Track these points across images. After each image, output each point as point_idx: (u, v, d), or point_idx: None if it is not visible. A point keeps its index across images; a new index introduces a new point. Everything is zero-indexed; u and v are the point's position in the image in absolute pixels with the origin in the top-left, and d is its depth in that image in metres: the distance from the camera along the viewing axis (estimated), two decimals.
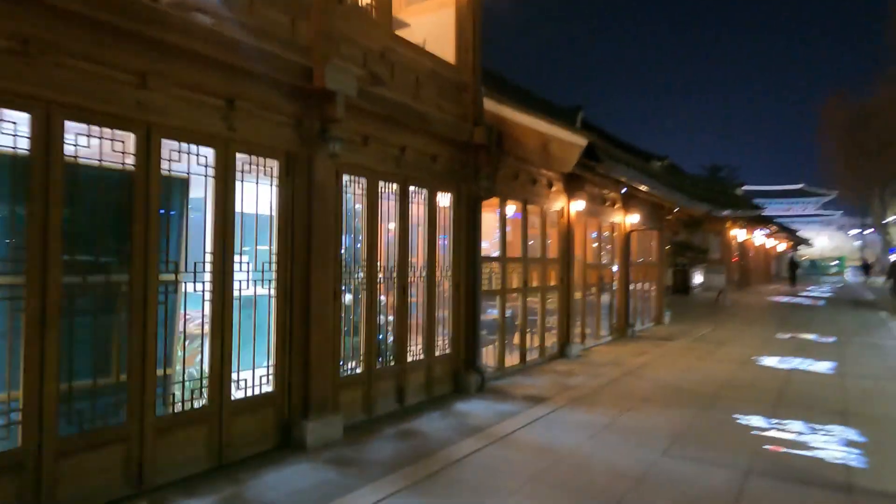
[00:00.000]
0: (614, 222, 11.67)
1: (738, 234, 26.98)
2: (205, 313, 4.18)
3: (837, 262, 62.82)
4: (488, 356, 7.92)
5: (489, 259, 7.72)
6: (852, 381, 7.89)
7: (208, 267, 4.17)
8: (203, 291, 4.16)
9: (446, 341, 6.71)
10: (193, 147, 4.08)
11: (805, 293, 27.06)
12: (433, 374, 6.44)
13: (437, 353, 6.52)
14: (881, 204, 38.75)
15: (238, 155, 4.36)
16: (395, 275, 5.96)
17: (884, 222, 39.32)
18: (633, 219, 12.12)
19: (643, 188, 10.26)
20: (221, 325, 4.21)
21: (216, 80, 4.15)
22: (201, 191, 4.26)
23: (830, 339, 11.99)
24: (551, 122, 6.40)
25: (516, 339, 8.37)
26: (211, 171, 4.19)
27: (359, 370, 5.52)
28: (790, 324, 14.99)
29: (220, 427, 4.22)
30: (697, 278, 24.81)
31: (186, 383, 4.19)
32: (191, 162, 4.06)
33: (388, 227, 6.00)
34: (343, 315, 5.39)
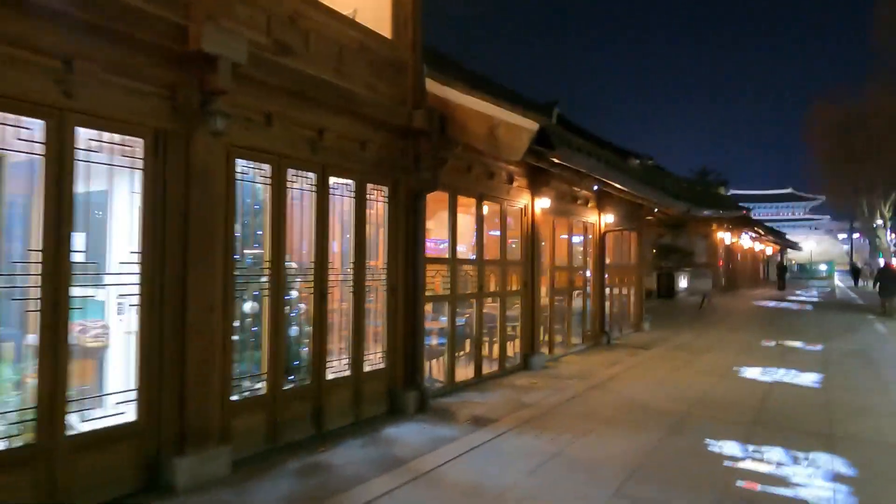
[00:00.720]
0: (587, 222, 10.89)
1: (725, 237, 26.35)
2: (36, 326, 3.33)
3: (826, 266, 62.59)
4: (439, 369, 7.10)
5: (437, 261, 6.90)
6: (839, 395, 7.13)
7: (37, 268, 3.31)
8: (27, 299, 3.31)
9: (380, 355, 5.87)
10: (13, 117, 3.24)
11: (793, 297, 26.45)
12: (362, 393, 5.60)
13: (367, 369, 5.68)
14: (869, 208, 38.42)
15: (82, 129, 3.52)
16: (312, 278, 5.13)
17: (873, 226, 38.96)
18: (607, 218, 11.35)
19: (616, 185, 9.50)
20: (55, 340, 3.36)
21: (49, 35, 3.31)
22: (28, 171, 3.41)
23: (817, 347, 11.26)
24: (499, 104, 5.61)
25: (470, 349, 7.54)
26: (40, 149, 3.34)
27: (261, 391, 4.68)
28: (776, 330, 14.27)
29: (52, 469, 3.36)
30: (682, 282, 24.14)
31: (7, 415, 3.33)
32: (6, 135, 3.22)
33: (305, 222, 5.16)
34: (241, 325, 4.55)
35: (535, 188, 8.66)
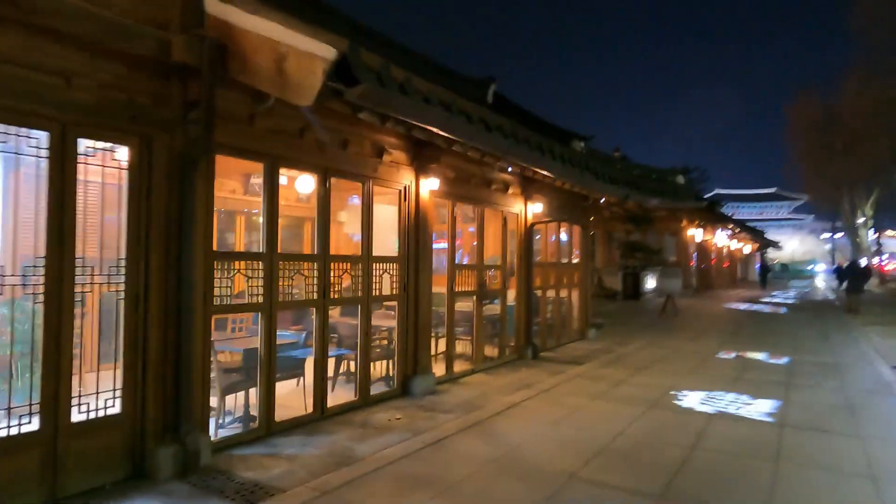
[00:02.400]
0: (508, 212, 9.05)
1: (696, 234, 24.69)
2: None
3: (811, 265, 61.43)
4: (250, 405, 5.23)
5: (239, 256, 5.04)
6: (794, 438, 5.35)
7: None
8: None
9: (111, 394, 3.98)
10: None
11: (768, 299, 24.85)
12: (65, 456, 3.71)
13: (78, 417, 3.79)
14: (850, 206, 37.11)
15: None
16: None
17: (855, 225, 37.65)
18: (535, 208, 9.52)
19: (515, 160, 7.65)
20: None
21: None
22: None
23: (782, 361, 9.51)
24: (292, 24, 3.75)
25: (309, 376, 5.67)
26: None
27: None
28: (740, 337, 12.55)
29: None
30: (651, 282, 22.44)
31: None
32: None
33: None
34: None
35: (421, 165, 6.81)
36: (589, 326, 11.97)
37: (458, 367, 8.00)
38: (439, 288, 7.45)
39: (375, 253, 6.37)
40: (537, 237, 10.18)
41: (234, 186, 8.17)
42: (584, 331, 11.82)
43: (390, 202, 6.76)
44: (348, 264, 6.02)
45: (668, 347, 10.92)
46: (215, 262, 4.58)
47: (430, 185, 6.86)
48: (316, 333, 5.57)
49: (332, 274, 5.70)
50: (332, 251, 5.72)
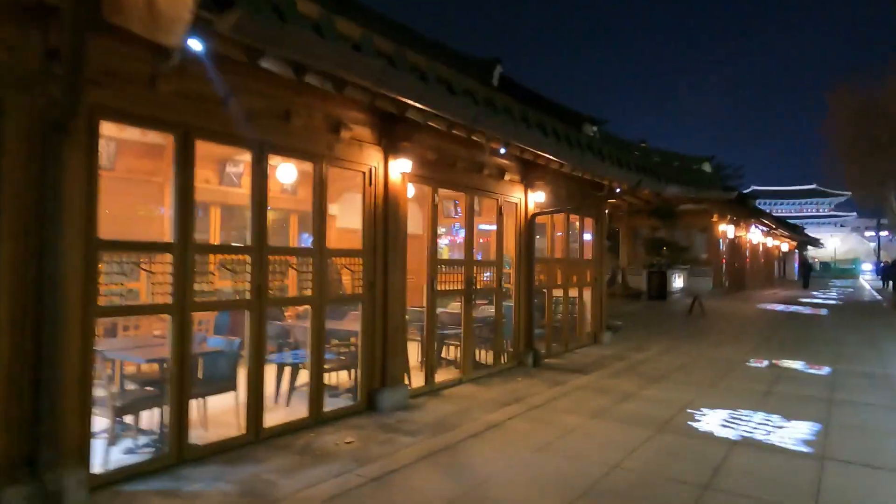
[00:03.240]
0: (506, 201, 8.05)
1: (728, 230, 23.17)
2: None
3: (854, 263, 58.41)
4: (160, 423, 4.36)
5: (136, 246, 4.18)
6: (839, 475, 4.24)
7: None
8: None
9: None
10: None
11: (807, 299, 23.18)
12: None
13: None
14: None
15: None
16: None
17: None
18: (537, 197, 8.49)
19: (516, 142, 6.65)
20: None
21: None
22: None
23: (822, 371, 8.28)
24: None
25: (242, 392, 4.77)
26: None
27: None
28: (774, 342, 11.27)
29: None
30: (678, 281, 21.07)
31: None
32: None
33: None
34: None
35: (391, 144, 5.86)
36: (604, 329, 10.86)
37: (444, 376, 7.04)
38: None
39: (334, 245, 5.45)
40: (542, 230, 9.15)
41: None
42: (598, 334, 10.71)
43: (349, 186, 5.83)
44: (294, 258, 5.11)
45: (691, 354, 9.75)
46: (102, 254, 3.72)
47: (401, 166, 5.91)
48: (250, 340, 4.68)
49: (271, 270, 4.80)
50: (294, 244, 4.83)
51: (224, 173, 7.76)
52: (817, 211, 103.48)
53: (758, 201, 27.26)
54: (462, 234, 7.82)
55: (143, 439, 4.42)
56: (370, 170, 5.76)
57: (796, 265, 46.51)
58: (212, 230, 8.04)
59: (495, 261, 7.89)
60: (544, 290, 9.25)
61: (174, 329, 4.11)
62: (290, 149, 5.01)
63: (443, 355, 7.73)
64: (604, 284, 10.94)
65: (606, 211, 11.16)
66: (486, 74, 11.69)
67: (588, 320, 10.71)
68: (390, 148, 5.86)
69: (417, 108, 5.16)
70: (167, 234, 4.21)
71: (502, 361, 7.96)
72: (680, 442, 5.00)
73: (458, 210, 9.86)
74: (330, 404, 5.46)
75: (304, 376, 5.42)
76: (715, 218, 22.40)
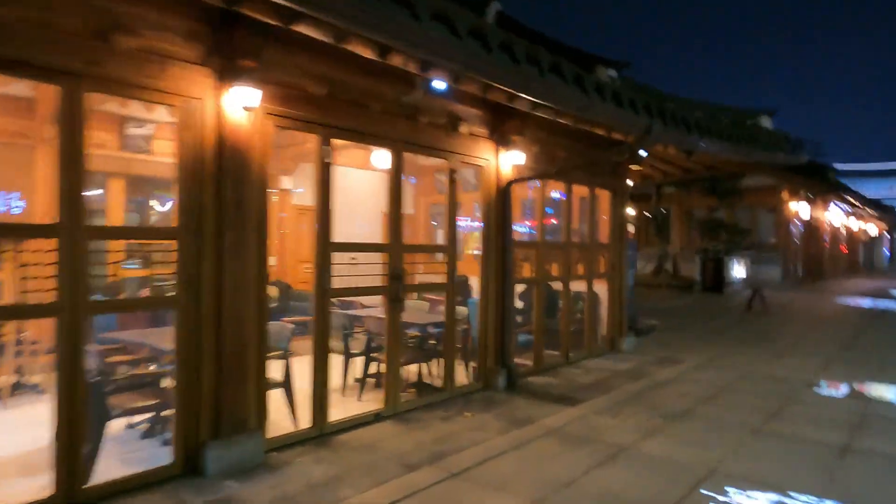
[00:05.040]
0: (464, 163, 5.82)
1: (802, 209, 19.75)
2: None
3: None
4: None
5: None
6: None
7: None
8: None
9: None
10: None
11: None
12: None
13: None
14: None
15: None
16: None
17: None
18: (514, 158, 6.19)
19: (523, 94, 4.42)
20: None
21: None
22: None
23: None
24: None
25: None
26: None
27: None
28: (857, 354, 8.51)
29: None
30: (737, 270, 18.03)
31: None
32: None
33: None
34: None
35: (229, 64, 3.78)
36: (625, 333, 8.45)
37: (357, 408, 4.96)
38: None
39: (114, 221, 3.45)
40: (533, 206, 6.85)
41: None
42: (616, 340, 8.32)
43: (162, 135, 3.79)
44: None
45: (738, 369, 7.23)
46: None
47: (246, 98, 3.81)
48: None
49: None
50: None
51: None
52: None
53: (834, 170, 23.18)
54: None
55: None
56: (193, 104, 3.69)
57: (886, 251, 41.28)
58: None
59: (445, 245, 5.68)
60: (534, 284, 6.98)
61: None
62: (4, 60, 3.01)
63: (374, 372, 5.66)
64: (624, 275, 8.50)
65: (629, 181, 8.67)
66: (478, 11, 9.41)
67: (602, 321, 8.33)
68: (228, 70, 3.77)
69: None
70: None
71: (454, 385, 5.77)
72: None
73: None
74: (119, 467, 3.49)
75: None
76: (785, 195, 19.05)
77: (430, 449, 4.31)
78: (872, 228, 34.87)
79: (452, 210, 5.69)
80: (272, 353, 4.43)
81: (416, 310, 6.66)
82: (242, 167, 3.89)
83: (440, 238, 10.98)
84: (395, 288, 5.05)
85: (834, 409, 5.54)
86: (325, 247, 4.51)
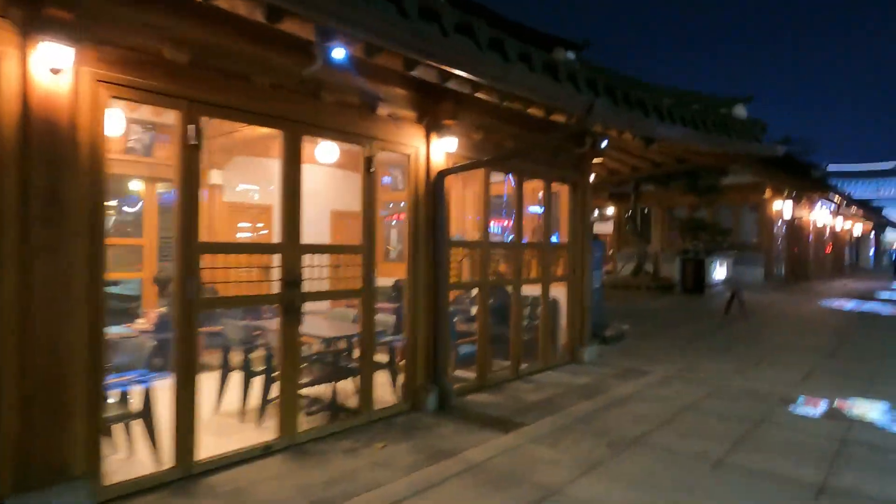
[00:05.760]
0: (384, 150, 5.03)
1: (786, 208, 19.14)
2: None
3: None
4: None
5: None
6: None
7: None
8: None
9: None
10: None
11: (888, 294, 18.93)
12: None
13: None
14: None
15: None
16: None
17: None
18: (447, 145, 5.40)
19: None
20: None
21: None
22: None
23: None
24: None
25: None
26: None
27: None
28: (841, 361, 7.80)
29: None
30: (720, 271, 17.36)
31: None
32: None
33: None
34: None
35: (31, 14, 2.96)
36: (587, 341, 7.68)
37: (252, 439, 4.14)
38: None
39: None
40: (477, 201, 6.07)
41: None
42: (578, 349, 7.54)
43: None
44: None
45: (707, 383, 6.48)
46: None
47: (56, 57, 2.99)
48: None
49: None
50: None
51: None
52: None
53: (819, 167, 22.64)
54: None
55: None
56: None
57: (872, 251, 41.00)
58: None
59: (361, 245, 4.88)
60: (476, 288, 6.20)
61: None
62: None
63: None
64: (587, 278, 7.74)
65: (592, 175, 7.92)
66: None
67: (562, 329, 7.57)
68: (34, 21, 2.95)
69: None
70: None
71: (378, 405, 4.96)
72: None
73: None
74: None
75: None
76: (768, 193, 18.42)
77: (317, 496, 3.50)
78: (858, 229, 34.48)
79: (369, 203, 4.88)
80: (125, 377, 3.61)
81: (341, 319, 5.86)
82: (59, 147, 3.07)
83: (395, 238, 10.22)
84: (291, 296, 4.24)
85: (811, 434, 4.79)
86: (190, 248, 3.69)
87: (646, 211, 21.05)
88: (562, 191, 7.65)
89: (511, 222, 8.31)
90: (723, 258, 17.41)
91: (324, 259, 5.08)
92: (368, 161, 4.85)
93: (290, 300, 4.24)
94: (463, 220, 9.36)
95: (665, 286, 16.80)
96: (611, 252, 21.27)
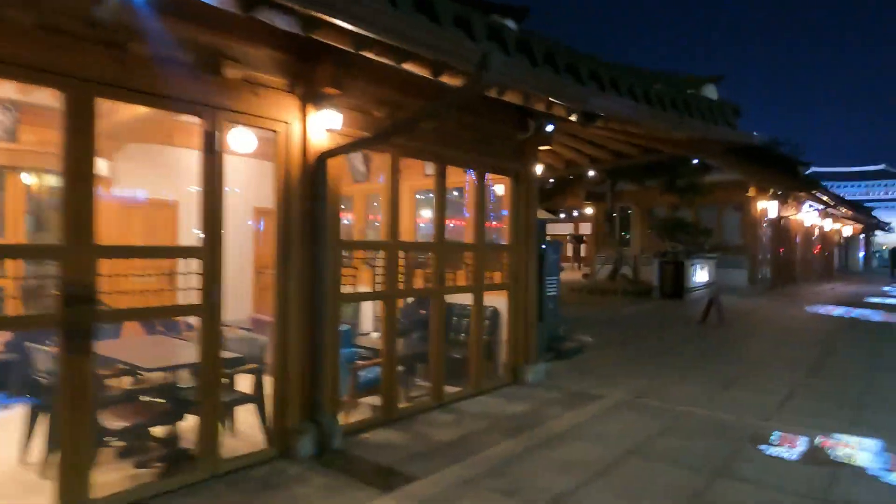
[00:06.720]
0: (252, 126, 3.92)
1: (771, 208, 18.15)
2: None
3: None
4: None
5: None
6: None
7: None
8: None
9: None
10: None
11: (878, 299, 17.98)
12: None
13: None
14: None
15: None
16: None
17: None
18: (330, 121, 4.29)
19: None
20: None
21: None
22: None
23: None
24: None
25: None
26: None
27: None
28: (825, 381, 6.75)
29: None
30: (700, 275, 16.34)
31: None
32: None
33: None
34: None
35: None
36: (533, 360, 6.58)
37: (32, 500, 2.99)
38: None
39: None
40: (395, 197, 4.97)
41: None
42: (521, 368, 6.44)
43: None
44: None
45: (666, 411, 5.39)
46: None
47: None
48: None
49: None
50: None
51: None
52: (886, 194, 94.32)
53: (806, 164, 21.65)
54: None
55: None
56: None
57: (861, 253, 40.23)
58: None
59: (199, 248, 3.74)
60: (380, 299, 5.08)
61: None
62: None
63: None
64: (533, 287, 6.64)
65: (539, 166, 6.83)
66: None
67: (501, 346, 6.47)
68: None
69: None
70: None
71: (229, 454, 3.83)
72: None
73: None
74: None
75: None
76: (752, 192, 17.43)
77: None
78: (847, 230, 33.66)
79: (211, 191, 3.76)
80: None
81: (238, 340, 4.71)
82: None
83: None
84: (78, 315, 3.10)
85: (785, 489, 3.70)
86: None
87: (629, 211, 20.05)
88: (503, 183, 6.57)
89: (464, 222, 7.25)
90: (704, 261, 16.39)
91: (148, 266, 3.95)
92: (210, 137, 3.72)
93: (75, 322, 3.10)
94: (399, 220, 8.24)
95: (643, 291, 15.75)
96: (587, 254, 20.23)
